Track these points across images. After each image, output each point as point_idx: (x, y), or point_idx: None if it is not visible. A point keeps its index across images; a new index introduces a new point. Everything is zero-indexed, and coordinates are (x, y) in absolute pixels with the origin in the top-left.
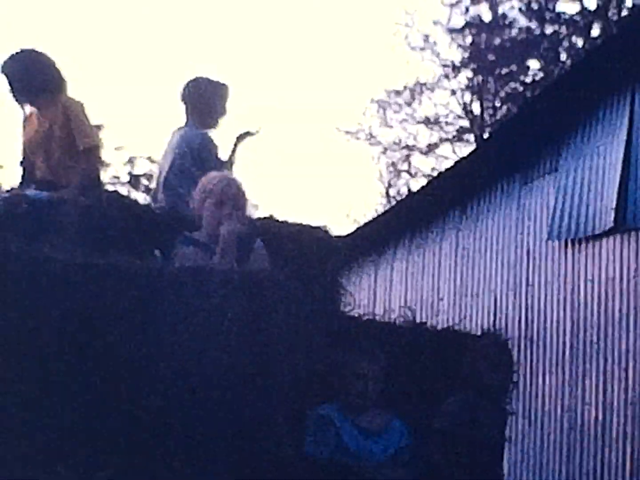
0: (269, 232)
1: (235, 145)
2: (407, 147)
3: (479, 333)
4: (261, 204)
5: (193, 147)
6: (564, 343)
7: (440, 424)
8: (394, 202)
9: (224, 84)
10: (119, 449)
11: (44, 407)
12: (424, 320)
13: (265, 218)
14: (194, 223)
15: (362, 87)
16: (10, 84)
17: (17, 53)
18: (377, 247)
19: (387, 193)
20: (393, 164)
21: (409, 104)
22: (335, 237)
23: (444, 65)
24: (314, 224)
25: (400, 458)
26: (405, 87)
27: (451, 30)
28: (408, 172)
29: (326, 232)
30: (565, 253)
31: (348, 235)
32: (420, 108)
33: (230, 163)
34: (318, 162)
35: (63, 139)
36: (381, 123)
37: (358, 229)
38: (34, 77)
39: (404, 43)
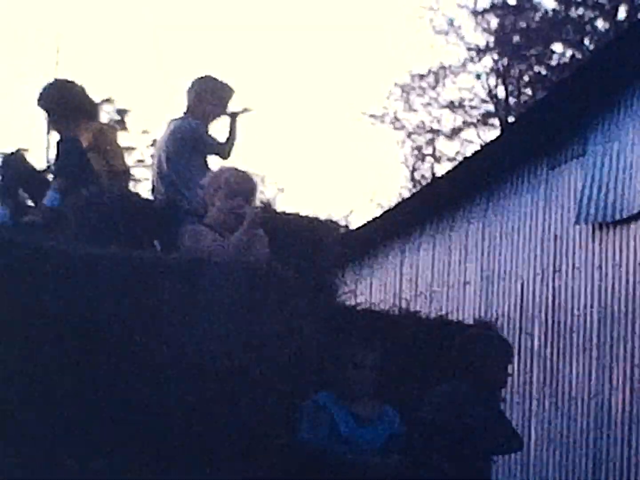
0: (267, 222)
1: (232, 123)
2: (431, 131)
3: (471, 322)
4: (285, 188)
5: (186, 136)
6: (592, 328)
7: (425, 413)
8: (419, 187)
9: (230, 87)
10: (116, 434)
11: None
12: (447, 309)
13: (263, 208)
14: (192, 213)
15: (386, 70)
16: (48, 115)
17: (50, 84)
18: (403, 232)
19: (412, 177)
20: (418, 148)
21: (433, 88)
22: (342, 226)
23: (469, 49)
24: (311, 215)
25: (393, 446)
26: (429, 71)
27: (476, 13)
28: (433, 156)
29: (324, 222)
30: (593, 237)
31: (374, 219)
32: (445, 92)
33: (230, 142)
34: (341, 147)
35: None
36: (405, 107)
37: (384, 213)
38: (69, 107)
39: (428, 26)
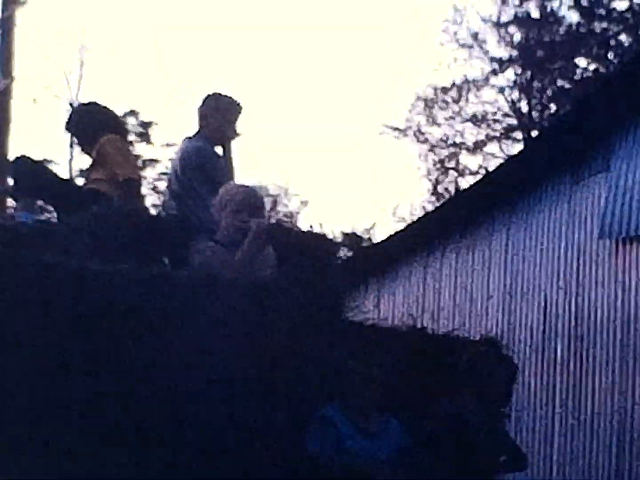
0: (276, 238)
1: (225, 151)
2: (454, 144)
3: (477, 338)
4: (309, 201)
5: (195, 156)
6: (615, 342)
7: (428, 427)
8: (442, 200)
9: (238, 104)
10: (128, 452)
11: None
12: (470, 322)
13: (272, 224)
14: (202, 231)
15: (408, 84)
16: (77, 139)
17: (75, 110)
18: (426, 246)
19: (435, 191)
20: (441, 161)
21: (456, 101)
22: (341, 243)
23: (492, 59)
24: (319, 231)
25: (398, 459)
26: (453, 84)
27: (499, 25)
28: (456, 169)
29: (331, 239)
30: (617, 252)
31: (396, 233)
32: (468, 105)
33: (229, 165)
34: (364, 159)
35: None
36: (428, 120)
37: (407, 227)
38: (92, 131)
39: (452, 39)
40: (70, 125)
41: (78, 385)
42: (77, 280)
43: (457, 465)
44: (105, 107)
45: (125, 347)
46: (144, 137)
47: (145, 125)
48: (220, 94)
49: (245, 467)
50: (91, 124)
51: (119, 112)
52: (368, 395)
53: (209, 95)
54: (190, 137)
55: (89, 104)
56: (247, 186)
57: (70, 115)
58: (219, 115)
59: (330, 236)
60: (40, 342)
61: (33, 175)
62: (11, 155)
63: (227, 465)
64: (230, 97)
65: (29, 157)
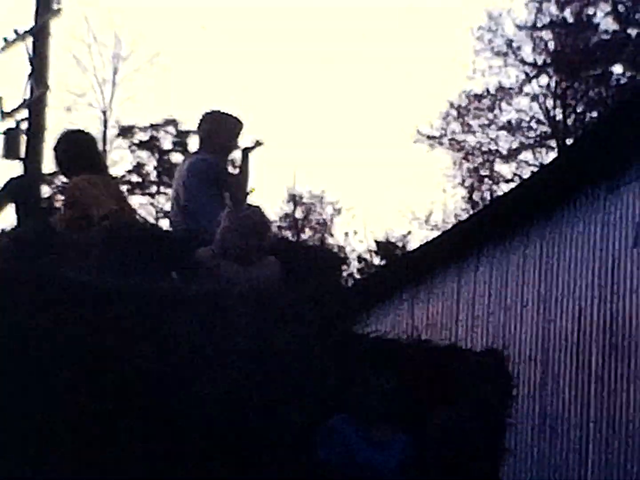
0: (283, 251)
1: (245, 159)
2: (488, 152)
3: (479, 350)
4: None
5: (204, 171)
6: None
7: (431, 437)
8: (476, 208)
9: (239, 120)
10: (142, 462)
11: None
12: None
13: (280, 239)
14: (209, 244)
15: (442, 91)
16: (57, 162)
17: (62, 135)
18: (460, 254)
19: (470, 198)
20: (475, 169)
21: (490, 109)
22: (344, 257)
23: (526, 64)
24: (327, 244)
25: (405, 469)
26: (487, 92)
27: (534, 29)
28: (490, 177)
29: (336, 252)
30: None
31: (431, 241)
32: (502, 113)
33: (244, 177)
34: (398, 167)
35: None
36: (463, 128)
37: (441, 235)
38: (72, 159)
39: (486, 47)
40: (55, 149)
41: (82, 399)
42: (88, 295)
43: (459, 476)
44: (89, 138)
45: (134, 360)
46: (181, 146)
47: (183, 134)
48: (221, 112)
49: (251, 476)
50: (70, 153)
51: (156, 121)
52: (375, 405)
53: (209, 113)
54: (196, 152)
55: (74, 131)
56: (256, 211)
57: (57, 139)
58: (224, 132)
59: (335, 250)
60: (49, 357)
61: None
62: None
63: (233, 473)
64: (232, 115)
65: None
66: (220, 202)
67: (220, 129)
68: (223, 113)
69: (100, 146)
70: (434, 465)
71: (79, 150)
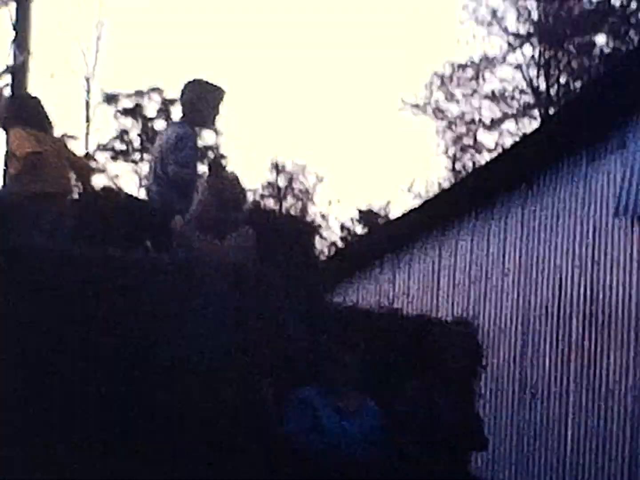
0: (257, 222)
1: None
2: (472, 121)
3: (449, 320)
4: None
5: (179, 141)
6: (630, 321)
7: (399, 406)
8: (459, 177)
9: (220, 88)
10: (106, 425)
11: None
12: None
13: (254, 209)
14: (182, 215)
15: (426, 60)
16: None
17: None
18: (441, 223)
19: (453, 167)
20: (458, 138)
21: (473, 79)
22: (316, 227)
23: (510, 34)
24: (299, 216)
25: (373, 437)
26: (471, 62)
27: (519, 1)
28: (473, 146)
29: (310, 222)
30: (632, 230)
31: (412, 210)
32: (485, 83)
33: (213, 116)
34: (381, 136)
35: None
36: (447, 97)
37: (423, 203)
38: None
39: (471, 17)
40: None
41: (56, 367)
42: (61, 263)
43: (428, 444)
44: (35, 100)
45: (108, 329)
46: (166, 113)
47: (167, 102)
48: (203, 81)
49: (222, 445)
50: (15, 113)
51: (142, 89)
52: (344, 375)
53: (191, 82)
54: (175, 122)
55: (22, 94)
56: (232, 179)
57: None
58: (204, 102)
59: (309, 219)
60: (22, 325)
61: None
62: None
63: (205, 446)
64: (214, 84)
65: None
66: (195, 173)
67: (201, 98)
68: (204, 82)
69: (83, 113)
70: (403, 434)
71: (26, 110)
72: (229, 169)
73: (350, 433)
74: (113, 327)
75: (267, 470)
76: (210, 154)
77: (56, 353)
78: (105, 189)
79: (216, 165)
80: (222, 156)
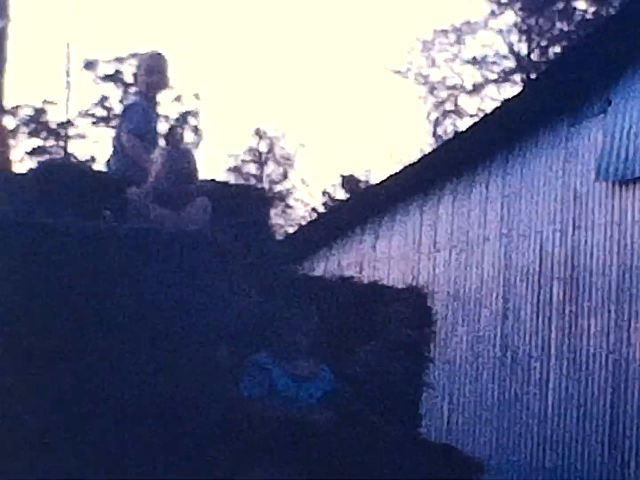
0: (211, 192)
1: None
2: (453, 87)
3: (401, 287)
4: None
5: (132, 113)
6: (610, 285)
7: (351, 371)
8: (440, 142)
9: (161, 57)
10: (74, 387)
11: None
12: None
13: (208, 180)
14: (140, 185)
15: (407, 25)
16: None
17: None
18: (423, 188)
19: (434, 133)
20: (440, 103)
21: (455, 44)
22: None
23: (493, 3)
24: (253, 185)
25: (326, 402)
26: (452, 27)
27: None
28: (455, 112)
29: (264, 191)
30: (613, 194)
31: (394, 175)
32: (467, 48)
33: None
34: (362, 102)
35: None
36: (428, 63)
37: (404, 168)
38: None
39: None
40: None
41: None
42: (21, 232)
43: (379, 410)
44: None
45: (66, 297)
46: None
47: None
48: (149, 53)
49: (179, 411)
50: None
51: (122, 55)
52: (298, 341)
53: (141, 55)
54: (133, 94)
55: None
56: (182, 149)
57: None
58: (147, 72)
59: (259, 187)
60: None
61: None
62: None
63: (162, 409)
64: (154, 53)
65: None
66: (151, 141)
67: (143, 70)
68: (146, 55)
69: (64, 78)
70: (355, 399)
71: None
72: (184, 141)
73: (304, 397)
74: (69, 296)
75: (223, 435)
76: (189, 121)
77: (15, 322)
78: (62, 159)
79: (172, 137)
80: (181, 127)
